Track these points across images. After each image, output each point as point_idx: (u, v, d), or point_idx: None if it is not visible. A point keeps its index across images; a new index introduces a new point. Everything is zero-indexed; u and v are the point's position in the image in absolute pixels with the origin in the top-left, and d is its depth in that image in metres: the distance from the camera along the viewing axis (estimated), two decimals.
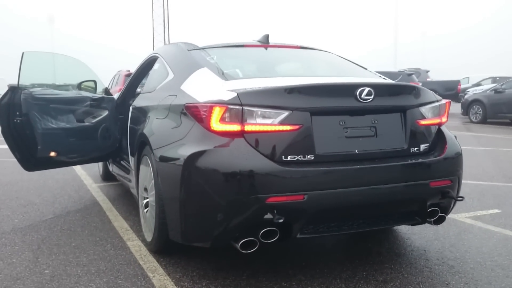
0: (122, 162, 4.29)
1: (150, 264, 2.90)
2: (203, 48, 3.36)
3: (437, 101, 2.89)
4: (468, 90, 17.26)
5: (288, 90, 2.50)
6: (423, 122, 2.78)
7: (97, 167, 5.86)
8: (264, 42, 3.64)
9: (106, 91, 4.50)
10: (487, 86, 16.44)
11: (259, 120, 2.43)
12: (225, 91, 2.54)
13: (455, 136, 3.00)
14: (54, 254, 3.09)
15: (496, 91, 13.62)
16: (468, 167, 5.14)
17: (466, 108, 14.39)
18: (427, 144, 2.78)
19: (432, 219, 2.81)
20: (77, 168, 6.28)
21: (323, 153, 2.50)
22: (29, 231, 3.59)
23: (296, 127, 2.45)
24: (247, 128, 2.43)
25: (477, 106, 14.00)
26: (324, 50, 3.82)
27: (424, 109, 2.79)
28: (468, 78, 24.09)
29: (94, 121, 4.17)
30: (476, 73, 25.41)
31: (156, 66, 3.79)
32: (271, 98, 2.47)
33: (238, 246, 2.44)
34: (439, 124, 2.90)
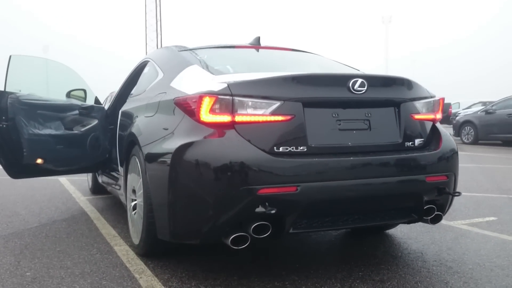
0: (112, 172, 4.19)
1: (137, 267, 2.77)
2: (194, 49, 3.33)
3: (431, 97, 2.85)
4: (459, 112, 17.36)
5: (279, 80, 2.46)
6: (417, 116, 2.73)
7: (87, 181, 5.75)
8: (256, 45, 3.62)
9: (96, 100, 4.43)
10: (478, 108, 16.52)
11: (250, 111, 2.37)
12: (215, 82, 2.49)
13: (450, 134, 2.96)
14: (37, 258, 2.96)
15: (487, 112, 13.66)
16: (462, 181, 5.08)
17: (458, 129, 14.40)
18: (422, 139, 2.73)
19: (429, 217, 2.72)
20: (66, 183, 6.16)
21: (316, 145, 2.43)
22: (12, 238, 3.46)
23: (288, 117, 2.39)
24: (238, 119, 2.36)
25: (468, 127, 14.02)
26: (315, 53, 3.80)
27: (418, 104, 2.74)
28: (459, 103, 24.30)
29: (83, 129, 4.08)
30: (466, 90, 25.75)
31: (146, 69, 3.74)
32: (262, 89, 2.41)
33: (229, 241, 2.33)
34: (434, 121, 2.85)
